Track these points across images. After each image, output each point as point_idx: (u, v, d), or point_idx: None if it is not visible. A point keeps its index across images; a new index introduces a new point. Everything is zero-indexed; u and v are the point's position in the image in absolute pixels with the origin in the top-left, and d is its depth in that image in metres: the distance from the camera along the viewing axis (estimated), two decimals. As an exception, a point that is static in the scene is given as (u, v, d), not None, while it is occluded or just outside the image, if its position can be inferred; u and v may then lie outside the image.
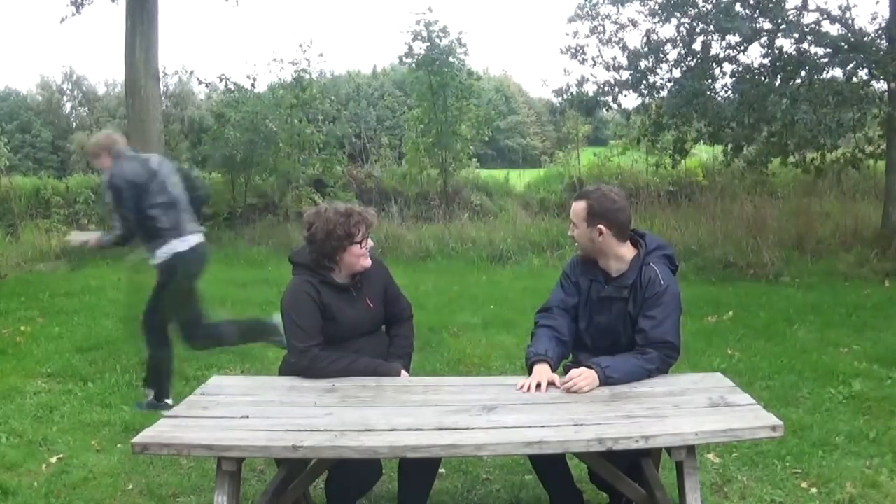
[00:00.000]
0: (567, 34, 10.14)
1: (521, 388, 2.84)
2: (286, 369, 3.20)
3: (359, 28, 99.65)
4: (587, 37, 9.93)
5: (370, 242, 3.18)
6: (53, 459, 3.88)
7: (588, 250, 3.09)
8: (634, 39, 9.90)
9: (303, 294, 3.09)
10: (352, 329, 3.15)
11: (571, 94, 10.02)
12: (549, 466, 3.05)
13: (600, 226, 2.99)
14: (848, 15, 8.93)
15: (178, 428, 2.53)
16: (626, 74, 9.72)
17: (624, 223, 3.02)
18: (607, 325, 3.05)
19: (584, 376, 2.82)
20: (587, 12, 9.94)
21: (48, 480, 3.63)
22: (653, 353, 2.92)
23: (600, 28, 9.87)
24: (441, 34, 12.25)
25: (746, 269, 8.84)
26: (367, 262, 3.17)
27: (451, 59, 12.29)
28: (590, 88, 9.97)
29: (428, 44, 12.22)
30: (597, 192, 3.07)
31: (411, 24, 12.30)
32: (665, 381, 3.01)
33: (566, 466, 3.11)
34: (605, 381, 2.83)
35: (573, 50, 9.99)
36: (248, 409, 2.69)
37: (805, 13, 9.10)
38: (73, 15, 12.30)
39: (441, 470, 3.45)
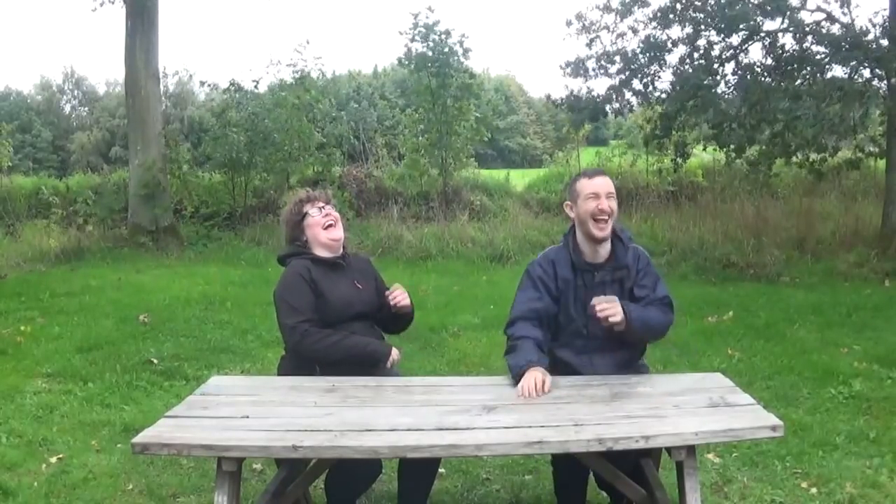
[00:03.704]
0: (567, 60, 10.18)
1: (523, 393, 2.75)
2: (285, 368, 3.21)
3: (360, 28, 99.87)
4: (588, 58, 9.95)
5: (327, 210, 3.27)
6: (53, 459, 3.88)
7: (609, 229, 2.99)
8: (633, 45, 9.92)
9: (293, 274, 3.16)
10: (344, 306, 3.16)
11: (575, 97, 10.06)
12: (570, 480, 3.08)
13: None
14: (848, 14, 8.94)
15: (178, 428, 2.52)
16: (621, 77, 9.75)
17: None
18: None
19: (614, 304, 2.81)
20: (582, 26, 9.96)
21: (48, 480, 3.63)
22: (659, 307, 2.99)
23: (598, 41, 9.89)
24: (443, 36, 12.25)
25: (747, 269, 8.83)
26: (334, 234, 3.26)
27: (452, 60, 12.28)
28: (594, 88, 10.05)
29: (427, 44, 12.22)
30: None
31: (411, 25, 12.32)
32: (665, 381, 3.04)
33: (585, 483, 3.13)
34: (626, 315, 2.83)
35: (573, 66, 10.02)
36: (248, 409, 2.68)
37: (807, 13, 9.13)
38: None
39: (441, 470, 3.45)
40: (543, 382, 2.77)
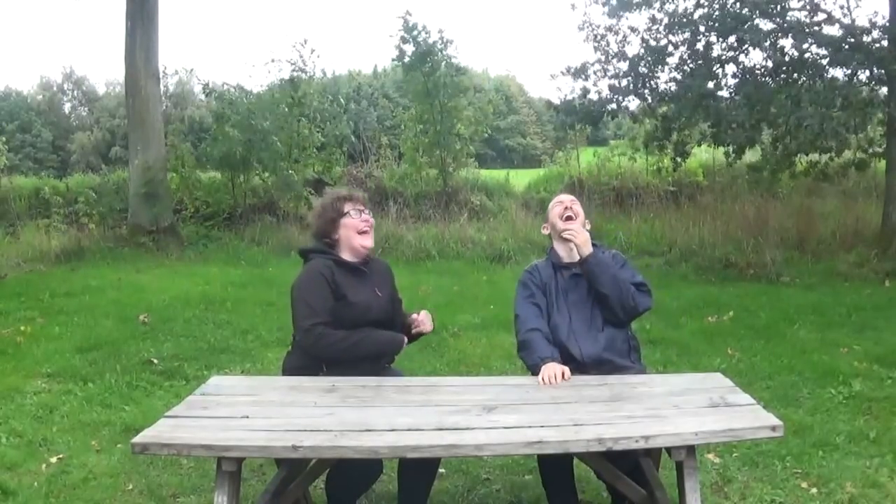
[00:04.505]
0: (568, 65, 10.14)
1: (546, 382, 2.91)
2: (291, 365, 3.20)
3: (360, 28, 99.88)
4: (593, 63, 9.95)
5: (366, 216, 3.26)
6: (53, 459, 3.88)
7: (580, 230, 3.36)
8: (635, 47, 9.92)
9: (315, 273, 3.12)
10: (363, 310, 3.14)
11: (575, 105, 10.07)
12: (556, 473, 3.09)
13: (587, 220, 3.44)
14: (848, 15, 8.93)
15: (177, 428, 2.53)
16: (625, 81, 9.74)
17: None
18: (579, 299, 3.25)
19: (582, 231, 3.25)
20: (589, 33, 9.95)
21: (48, 481, 3.63)
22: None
23: (604, 45, 9.87)
24: (424, 34, 12.30)
25: (747, 269, 8.83)
26: (367, 241, 3.24)
27: (437, 56, 12.32)
28: (593, 95, 10.03)
29: (414, 45, 12.25)
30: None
31: (401, 27, 12.40)
32: (665, 381, 3.04)
33: (571, 474, 3.15)
34: (594, 255, 3.21)
35: (575, 70, 10.01)
36: (247, 409, 2.68)
37: (806, 13, 9.11)
38: None
39: (441, 470, 3.45)
40: (563, 373, 2.96)
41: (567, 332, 3.19)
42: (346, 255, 3.22)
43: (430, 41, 12.35)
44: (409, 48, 12.37)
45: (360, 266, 3.23)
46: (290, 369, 3.20)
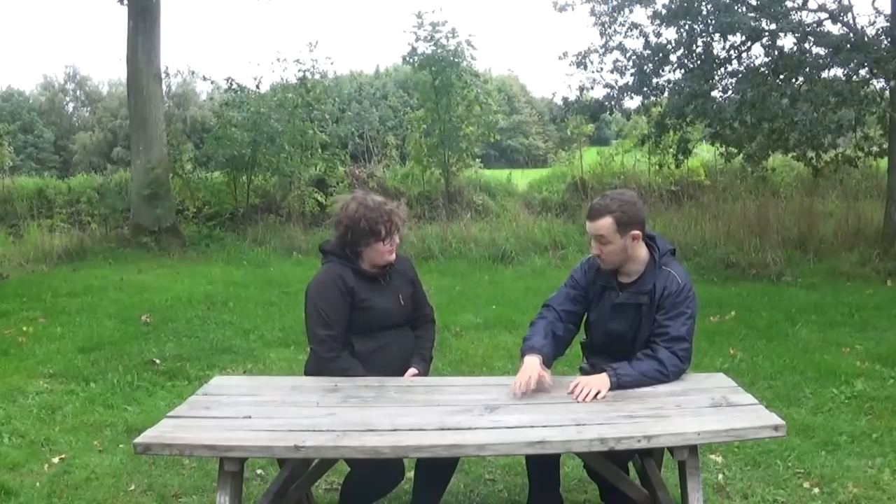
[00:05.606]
0: (576, 54, 10.06)
1: (515, 391, 2.75)
2: (310, 370, 3.18)
3: (361, 28, 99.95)
4: (594, 50, 9.90)
5: (397, 240, 3.16)
6: (56, 460, 3.89)
7: (619, 262, 2.96)
8: (635, 43, 9.89)
9: (330, 281, 3.09)
10: (382, 317, 3.13)
11: (575, 99, 10.05)
12: (543, 471, 3.07)
13: (634, 231, 2.90)
14: (849, 15, 8.90)
15: (180, 428, 2.53)
16: (628, 76, 9.70)
17: (644, 220, 2.97)
18: (622, 332, 3.01)
19: (590, 384, 2.75)
20: (597, 21, 9.92)
21: (50, 481, 3.64)
22: (664, 352, 2.88)
23: (610, 32, 9.85)
24: (449, 35, 12.23)
25: (749, 268, 8.83)
26: (391, 258, 3.16)
27: (457, 60, 12.26)
28: (596, 93, 10.01)
29: (433, 44, 12.20)
30: (614, 201, 2.91)
31: (416, 23, 12.30)
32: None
33: (558, 473, 3.14)
34: (618, 384, 2.77)
35: (577, 58, 9.97)
36: (250, 410, 2.69)
37: (806, 12, 9.09)
38: None
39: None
40: (537, 377, 2.77)
41: (603, 355, 3.04)
42: (366, 266, 3.16)
43: (457, 42, 12.26)
44: (422, 46, 12.25)
45: (378, 276, 3.17)
46: (312, 373, 3.18)
